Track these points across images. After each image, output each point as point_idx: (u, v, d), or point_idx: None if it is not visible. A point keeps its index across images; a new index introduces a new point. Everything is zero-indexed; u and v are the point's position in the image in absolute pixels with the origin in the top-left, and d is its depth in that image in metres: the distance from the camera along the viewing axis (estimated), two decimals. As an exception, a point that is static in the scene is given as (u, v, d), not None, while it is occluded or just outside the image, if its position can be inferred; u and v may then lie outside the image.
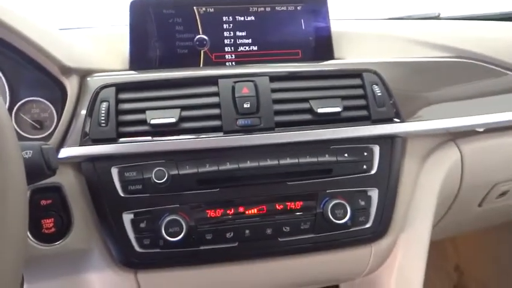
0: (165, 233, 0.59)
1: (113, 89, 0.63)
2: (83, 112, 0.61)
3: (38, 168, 0.47)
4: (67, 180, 0.61)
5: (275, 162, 0.63)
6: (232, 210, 0.62)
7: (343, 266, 0.70)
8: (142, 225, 0.61)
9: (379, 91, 0.67)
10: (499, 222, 1.15)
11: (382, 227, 0.67)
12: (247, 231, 0.62)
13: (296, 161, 0.63)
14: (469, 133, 0.75)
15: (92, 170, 0.61)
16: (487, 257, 1.72)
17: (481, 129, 0.74)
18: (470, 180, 0.76)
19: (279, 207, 0.63)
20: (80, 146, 0.60)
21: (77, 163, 0.62)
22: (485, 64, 0.76)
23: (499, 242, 1.67)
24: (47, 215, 0.60)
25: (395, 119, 0.67)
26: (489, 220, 1.01)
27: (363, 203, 0.65)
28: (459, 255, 1.82)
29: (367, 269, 0.71)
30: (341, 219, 0.63)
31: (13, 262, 0.37)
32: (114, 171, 0.61)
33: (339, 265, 0.70)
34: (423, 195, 0.72)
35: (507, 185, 0.82)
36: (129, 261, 0.62)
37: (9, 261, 0.36)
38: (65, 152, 0.60)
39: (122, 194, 0.61)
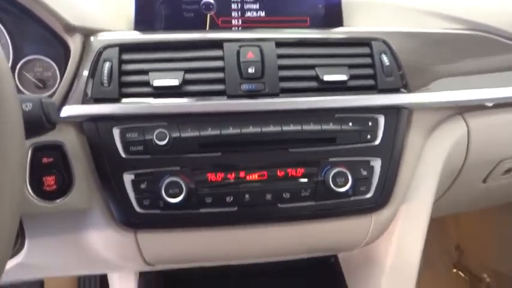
0: (165, 194, 0.60)
1: (117, 49, 0.62)
2: (86, 71, 0.61)
3: (38, 121, 0.47)
4: (68, 139, 0.61)
5: (278, 128, 0.62)
6: (233, 175, 0.62)
7: (342, 235, 0.70)
8: (142, 186, 0.61)
9: (387, 61, 0.65)
10: (503, 201, 1.14)
11: (383, 198, 0.66)
12: (247, 196, 0.62)
13: (299, 128, 0.63)
14: (477, 108, 0.74)
15: (94, 129, 0.61)
16: (489, 237, 1.72)
17: (490, 104, 0.72)
18: (475, 155, 0.75)
19: (280, 173, 0.63)
20: (81, 105, 0.60)
21: (78, 123, 0.62)
22: (499, 38, 0.74)
23: (501, 223, 1.67)
24: (49, 172, 0.60)
25: (403, 90, 0.66)
26: (493, 198, 1.00)
27: (365, 172, 0.65)
28: (461, 234, 1.82)
29: (366, 239, 0.71)
30: (342, 188, 0.63)
31: (10, 213, 0.37)
32: (116, 132, 0.61)
33: (337, 234, 0.70)
34: (427, 168, 0.71)
35: (512, 162, 0.81)
36: (129, 221, 0.62)
37: (5, 212, 0.36)
38: (66, 111, 0.60)
39: (123, 155, 0.61)
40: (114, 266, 0.73)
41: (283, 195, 0.63)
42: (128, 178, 0.61)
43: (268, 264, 0.81)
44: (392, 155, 0.66)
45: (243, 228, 0.66)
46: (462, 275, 1.80)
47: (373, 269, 0.77)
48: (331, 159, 0.64)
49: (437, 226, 1.71)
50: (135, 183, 0.61)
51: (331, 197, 0.64)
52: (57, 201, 0.61)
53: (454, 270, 1.83)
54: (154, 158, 0.61)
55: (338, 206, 0.65)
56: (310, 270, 0.83)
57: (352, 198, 0.65)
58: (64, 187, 0.61)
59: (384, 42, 0.67)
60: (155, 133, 0.60)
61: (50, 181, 0.60)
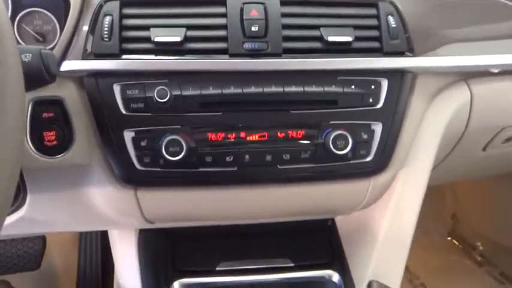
0: (165, 152, 0.60)
1: (117, 3, 0.61)
2: (86, 26, 0.60)
3: (37, 73, 0.46)
4: (69, 94, 0.61)
5: (280, 89, 0.62)
6: (234, 135, 0.62)
7: (340, 198, 0.71)
8: (143, 143, 0.61)
9: (393, 23, 0.64)
10: (501, 171, 1.14)
11: (382, 162, 0.67)
12: (247, 157, 0.63)
13: (301, 89, 0.62)
14: (481, 74, 0.73)
15: (94, 85, 0.60)
16: (484, 207, 1.75)
17: (496, 71, 0.71)
18: (477, 122, 0.75)
19: (280, 134, 0.63)
20: (82, 60, 0.59)
21: (79, 78, 0.61)
22: (508, 2, 0.73)
23: (497, 193, 1.69)
24: (49, 128, 0.60)
25: (408, 53, 0.65)
26: (491, 167, 1.01)
27: (365, 136, 0.64)
28: (457, 203, 1.84)
29: (364, 203, 0.72)
30: (342, 151, 0.63)
31: (10, 162, 0.37)
32: (116, 88, 0.60)
33: (336, 197, 0.71)
34: (427, 133, 0.71)
35: (514, 130, 0.81)
36: (129, 178, 0.63)
37: (6, 163, 0.36)
38: (66, 65, 0.59)
39: (123, 112, 0.60)
40: (114, 223, 0.74)
41: (283, 156, 0.63)
42: (128, 135, 0.61)
43: (266, 225, 0.82)
44: (393, 119, 0.65)
45: (242, 189, 0.67)
46: (456, 243, 1.84)
47: (369, 234, 0.78)
48: (332, 122, 0.63)
49: (434, 195, 1.73)
50: (135, 141, 0.61)
51: (331, 159, 0.64)
52: (58, 156, 0.61)
53: (449, 238, 1.87)
54: (155, 115, 0.61)
55: (337, 169, 0.65)
56: (307, 232, 0.85)
57: (351, 161, 0.65)
58: (65, 143, 0.61)
59: (391, 3, 0.65)
60: (156, 90, 0.59)
61: (50, 136, 0.60)
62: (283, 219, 0.80)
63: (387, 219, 0.75)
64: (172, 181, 0.64)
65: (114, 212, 0.69)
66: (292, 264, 0.79)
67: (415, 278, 1.61)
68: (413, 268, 1.61)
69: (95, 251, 1.33)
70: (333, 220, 0.85)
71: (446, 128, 0.72)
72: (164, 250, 0.79)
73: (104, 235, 1.24)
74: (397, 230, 0.75)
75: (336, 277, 0.77)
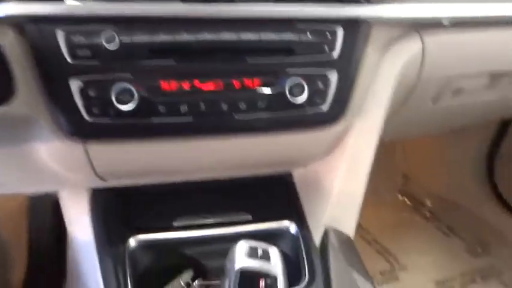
0: (116, 101, 0.57)
1: None
2: None
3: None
4: (8, 41, 0.56)
5: (235, 36, 0.60)
6: (188, 84, 0.60)
7: (297, 148, 0.71)
8: (91, 93, 0.58)
9: None
10: (453, 125, 1.19)
11: (338, 111, 0.67)
12: (202, 106, 0.61)
13: (257, 37, 0.61)
14: (434, 25, 0.74)
15: (36, 31, 0.56)
16: (433, 165, 1.83)
17: (447, 23, 0.73)
18: (428, 72, 0.77)
19: (236, 83, 0.62)
20: (20, 2, 0.54)
21: (18, 23, 0.56)
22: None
23: (446, 151, 1.77)
24: (-13, 77, 0.55)
25: (363, 2, 0.65)
26: (441, 121, 1.05)
27: (321, 85, 0.64)
28: (407, 163, 1.92)
29: (321, 153, 0.72)
30: (298, 100, 0.62)
31: None
32: (60, 35, 0.56)
33: (293, 148, 0.71)
34: (381, 83, 0.72)
35: (462, 82, 0.84)
36: (78, 130, 0.60)
37: None
38: (3, 9, 0.54)
39: (69, 60, 0.57)
40: (64, 181, 0.71)
41: (239, 105, 0.62)
42: (75, 84, 0.57)
43: (224, 182, 0.82)
44: (349, 68, 0.66)
45: (197, 140, 0.65)
46: (406, 200, 1.92)
47: (324, 186, 0.80)
48: (288, 70, 0.63)
49: (385, 155, 1.79)
50: (83, 90, 0.58)
51: (288, 108, 0.63)
52: (-2, 107, 0.57)
53: (399, 196, 1.95)
54: (103, 63, 0.57)
55: (294, 118, 0.65)
56: (265, 187, 0.85)
57: (308, 111, 0.65)
58: (5, 93, 0.57)
59: None
60: (103, 37, 0.56)
61: (-12, 86, 0.55)
62: (240, 173, 0.80)
63: (342, 170, 0.77)
64: (124, 133, 0.61)
65: (64, 169, 0.66)
66: (251, 218, 0.79)
67: (367, 233, 1.68)
68: (366, 225, 1.68)
69: (46, 217, 1.28)
70: (290, 174, 0.86)
71: (399, 78, 0.74)
72: (118, 209, 0.77)
73: (54, 200, 1.20)
74: (351, 180, 0.77)
75: (293, 227, 0.78)
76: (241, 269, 0.45)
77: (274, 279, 0.46)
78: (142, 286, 0.68)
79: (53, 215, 1.30)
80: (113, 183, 0.75)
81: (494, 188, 1.64)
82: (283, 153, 0.72)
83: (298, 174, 0.86)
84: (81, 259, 0.76)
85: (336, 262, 0.68)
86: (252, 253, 0.47)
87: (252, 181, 0.84)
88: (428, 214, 1.83)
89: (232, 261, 0.46)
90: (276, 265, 0.46)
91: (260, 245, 0.48)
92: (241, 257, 0.46)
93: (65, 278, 1.04)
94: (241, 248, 0.47)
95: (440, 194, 1.81)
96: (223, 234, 0.77)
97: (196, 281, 0.72)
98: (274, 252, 0.47)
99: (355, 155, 0.76)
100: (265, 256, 0.47)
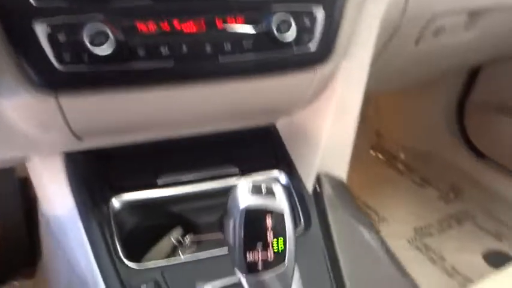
0: (90, 44, 0.52)
1: None
2: None
3: None
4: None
5: None
6: (166, 24, 0.55)
7: (285, 92, 0.68)
8: (60, 37, 0.52)
9: None
10: (434, 69, 1.19)
11: (325, 51, 0.64)
12: (184, 49, 0.56)
13: None
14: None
15: None
16: (405, 119, 1.86)
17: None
18: (412, 10, 0.75)
19: (218, 22, 0.57)
20: None
21: None
22: None
23: (417, 104, 1.79)
24: None
25: None
26: (422, 66, 1.04)
27: (308, 22, 0.61)
28: (380, 120, 1.94)
29: (307, 98, 0.70)
30: (286, 37, 0.59)
31: None
32: None
33: (279, 93, 0.68)
34: (367, 21, 0.70)
35: (443, 20, 0.83)
36: (48, 81, 0.54)
37: None
38: None
39: (33, 2, 0.51)
40: (36, 144, 0.66)
41: (224, 46, 0.58)
42: (41, 29, 0.51)
43: (207, 138, 0.78)
44: (335, 4, 0.63)
45: (180, 87, 0.61)
46: (380, 156, 1.95)
47: (312, 134, 0.78)
48: (273, 6, 0.59)
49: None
50: (50, 35, 0.52)
51: (275, 47, 0.60)
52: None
53: (373, 152, 1.98)
54: (72, 3, 0.51)
55: (282, 59, 0.61)
56: (249, 140, 0.82)
57: (295, 50, 0.61)
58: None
59: None
60: None
61: None
62: (223, 127, 0.76)
63: (330, 116, 0.74)
64: (100, 81, 0.56)
65: (35, 128, 0.60)
66: (238, 171, 0.76)
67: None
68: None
69: (9, 199, 1.21)
70: (274, 126, 0.83)
71: (383, 17, 0.71)
72: (96, 171, 0.72)
73: (16, 179, 1.13)
74: (341, 125, 0.75)
75: (283, 177, 0.76)
76: (246, 207, 0.43)
77: (281, 215, 0.43)
78: (131, 247, 0.64)
79: (16, 194, 1.23)
80: (89, 144, 0.70)
81: (464, 135, 1.68)
82: (270, 99, 0.68)
83: (283, 125, 0.83)
84: (61, 227, 0.71)
85: (332, 206, 0.67)
86: (256, 190, 0.44)
87: (235, 135, 0.81)
88: (401, 167, 1.87)
89: (236, 200, 0.43)
90: (281, 201, 0.44)
91: (263, 182, 0.45)
92: (245, 195, 0.43)
93: (39, 255, 0.99)
94: (244, 186, 0.44)
95: (413, 146, 1.84)
96: (211, 189, 0.74)
97: (187, 237, 0.69)
98: (278, 188, 0.45)
99: (343, 99, 0.74)
100: (270, 193, 0.44)
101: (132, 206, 0.70)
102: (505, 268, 0.80)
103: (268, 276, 0.44)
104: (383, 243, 0.63)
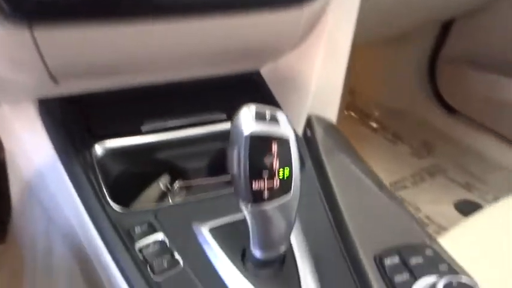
0: None
1: None
2: None
3: None
4: None
5: None
6: None
7: (271, 30, 0.65)
8: None
9: None
10: (419, 18, 1.18)
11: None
12: None
13: None
14: None
15: None
16: (379, 77, 1.86)
17: None
18: None
19: None
20: None
21: None
22: None
23: (390, 62, 1.80)
24: None
25: None
26: (403, 15, 1.03)
27: None
28: (353, 78, 1.94)
29: (297, 36, 0.67)
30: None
31: None
32: None
33: (267, 29, 0.64)
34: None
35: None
36: (20, 9, 0.49)
37: None
38: None
39: None
40: (7, 87, 0.61)
41: None
42: None
43: (188, 84, 0.74)
44: None
45: (161, 21, 0.56)
46: (353, 114, 1.96)
47: (301, 79, 0.75)
48: None
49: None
50: None
51: None
52: None
53: (345, 111, 1.99)
54: None
55: None
56: (234, 86, 0.79)
57: None
58: None
59: None
60: None
61: None
62: (207, 70, 0.73)
63: (319, 58, 0.72)
64: (76, 11, 0.51)
65: (8, 65, 0.55)
66: (225, 116, 0.74)
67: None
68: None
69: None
70: (258, 72, 0.80)
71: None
72: (76, 117, 0.68)
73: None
74: (331, 67, 0.73)
75: (272, 120, 0.74)
76: (251, 133, 0.40)
77: (287, 141, 0.42)
78: (118, 194, 0.61)
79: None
80: (66, 89, 0.65)
81: (436, 91, 1.70)
82: (255, 39, 0.65)
83: (268, 71, 0.80)
84: (39, 178, 0.67)
85: (325, 147, 0.65)
86: (260, 117, 0.41)
87: (220, 81, 0.78)
88: (375, 125, 1.89)
89: (239, 127, 0.41)
90: (286, 127, 0.42)
91: (266, 109, 0.43)
92: (248, 122, 0.41)
93: (8, 217, 0.94)
94: (247, 112, 0.42)
95: (386, 103, 1.86)
96: (198, 134, 0.71)
97: (176, 183, 0.66)
98: (281, 115, 0.43)
99: (332, 39, 0.71)
100: (274, 119, 0.42)
101: (117, 153, 0.66)
102: (474, 215, 0.83)
103: (273, 206, 0.42)
104: (380, 181, 0.62)
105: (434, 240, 0.53)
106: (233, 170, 0.42)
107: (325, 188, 0.59)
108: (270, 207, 0.42)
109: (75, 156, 0.61)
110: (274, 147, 0.41)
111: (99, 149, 0.65)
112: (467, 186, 1.55)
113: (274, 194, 0.42)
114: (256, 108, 0.42)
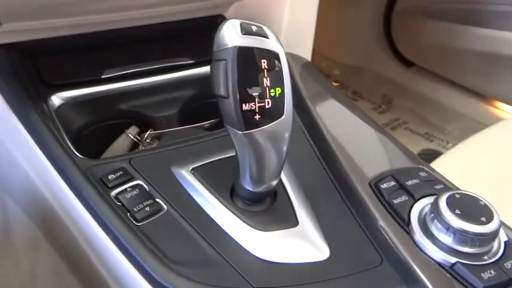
0: None
1: None
2: None
3: None
4: None
5: None
6: None
7: None
8: None
9: None
10: None
11: None
12: None
13: None
14: None
15: None
16: (337, 37, 1.84)
17: None
18: None
19: None
20: None
21: None
22: None
23: (349, 21, 1.79)
24: None
25: None
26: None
27: None
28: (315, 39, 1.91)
29: None
30: None
31: None
32: None
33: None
34: None
35: None
36: None
37: None
38: None
39: None
40: None
41: None
42: None
43: (151, 29, 0.68)
44: None
45: None
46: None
47: (270, 20, 0.71)
48: None
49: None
50: None
51: None
52: None
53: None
54: None
55: None
56: (198, 31, 0.73)
57: None
58: None
59: None
60: None
61: None
62: (168, 13, 0.67)
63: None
64: None
65: None
66: (192, 61, 0.69)
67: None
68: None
69: None
70: (222, 16, 0.75)
71: None
72: (27, 66, 0.60)
73: None
74: (302, 4, 0.69)
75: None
76: (239, 45, 0.36)
77: (277, 56, 0.38)
78: (82, 147, 0.55)
79: None
80: (11, 32, 0.58)
81: (393, 46, 1.71)
82: None
83: (233, 15, 0.75)
84: None
85: (302, 81, 0.62)
86: (246, 31, 0.37)
87: (182, 26, 0.72)
88: (335, 84, 1.88)
89: (224, 40, 0.37)
90: (275, 41, 0.38)
91: (251, 22, 0.38)
92: (234, 34, 0.37)
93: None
94: (231, 26, 0.37)
95: (345, 61, 1.85)
96: (164, 80, 0.66)
97: (147, 132, 0.61)
98: (269, 30, 0.38)
99: None
100: (261, 33, 0.38)
101: (77, 104, 0.60)
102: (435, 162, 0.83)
103: (266, 131, 0.39)
104: (364, 114, 0.60)
105: (426, 164, 0.52)
106: (220, 90, 0.37)
107: (309, 122, 0.56)
108: (262, 133, 0.38)
109: (32, 109, 0.54)
110: (264, 63, 0.37)
111: (56, 99, 0.58)
112: (428, 137, 1.58)
113: (266, 117, 0.38)
114: (240, 22, 0.38)
